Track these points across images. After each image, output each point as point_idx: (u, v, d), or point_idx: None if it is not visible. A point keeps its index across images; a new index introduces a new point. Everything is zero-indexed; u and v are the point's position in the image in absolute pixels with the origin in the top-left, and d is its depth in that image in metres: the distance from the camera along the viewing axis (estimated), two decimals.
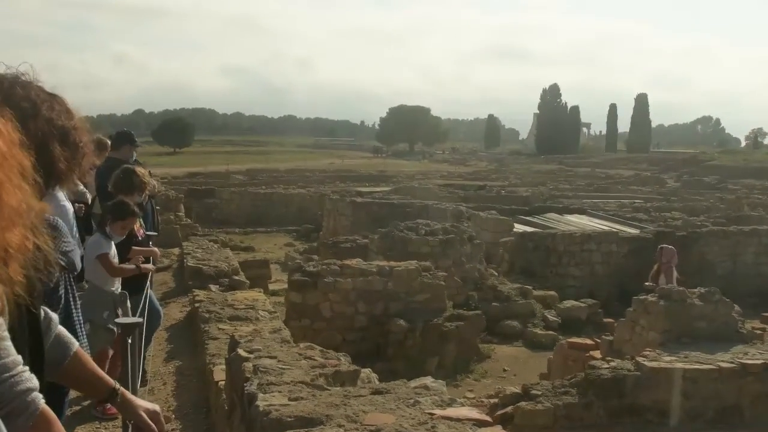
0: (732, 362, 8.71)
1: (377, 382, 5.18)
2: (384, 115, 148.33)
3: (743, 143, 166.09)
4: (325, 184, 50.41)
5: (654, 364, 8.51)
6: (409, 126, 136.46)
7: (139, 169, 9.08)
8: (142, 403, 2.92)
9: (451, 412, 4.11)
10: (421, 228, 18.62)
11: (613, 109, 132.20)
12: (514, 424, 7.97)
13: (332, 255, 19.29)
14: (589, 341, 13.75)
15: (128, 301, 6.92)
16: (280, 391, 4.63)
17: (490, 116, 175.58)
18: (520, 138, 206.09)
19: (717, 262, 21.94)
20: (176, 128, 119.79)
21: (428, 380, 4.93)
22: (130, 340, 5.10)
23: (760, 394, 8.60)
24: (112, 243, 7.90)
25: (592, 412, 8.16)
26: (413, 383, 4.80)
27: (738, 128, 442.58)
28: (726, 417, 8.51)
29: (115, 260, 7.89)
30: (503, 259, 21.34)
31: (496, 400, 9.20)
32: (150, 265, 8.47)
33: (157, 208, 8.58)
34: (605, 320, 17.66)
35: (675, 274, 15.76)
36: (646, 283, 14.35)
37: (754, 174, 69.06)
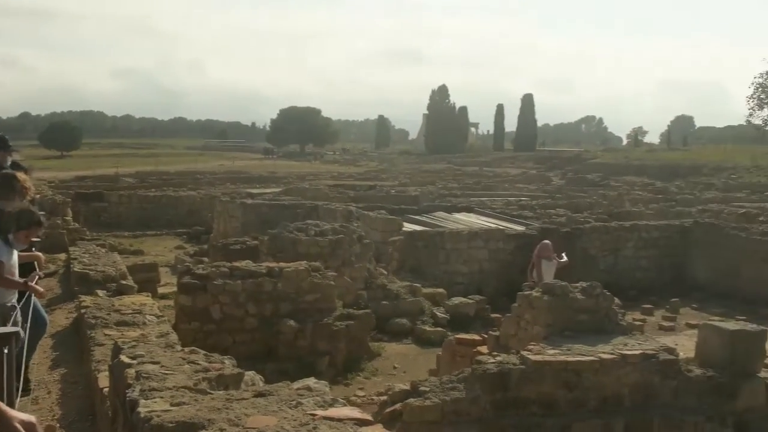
0: (612, 353, 8.96)
1: (261, 384, 5.19)
2: (275, 116, 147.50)
3: (625, 141, 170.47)
4: (215, 186, 49.88)
5: (538, 357, 8.69)
6: (299, 127, 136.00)
7: (20, 174, 8.86)
8: (17, 415, 2.84)
9: (332, 412, 4.14)
10: (311, 229, 18.62)
11: (500, 109, 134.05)
12: (403, 421, 8.03)
13: (222, 257, 19.14)
14: (476, 337, 13.96)
15: (18, 315, 6.76)
16: (162, 397, 4.59)
17: (381, 117, 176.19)
18: (410, 138, 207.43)
19: (599, 257, 22.53)
20: (64, 131, 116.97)
21: (311, 381, 4.96)
22: (6, 350, 4.98)
23: (638, 382, 8.88)
24: (14, 252, 7.69)
25: (479, 406, 8.27)
26: (296, 385, 4.82)
27: (620, 127, 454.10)
28: (607, 405, 8.75)
29: (15, 269, 7.69)
30: (393, 257, 21.48)
31: (385, 398, 9.26)
32: (40, 289, 8.14)
33: (42, 213, 8.36)
34: (493, 316, 17.99)
35: (554, 266, 16.11)
36: (525, 284, 14.58)
37: (635, 171, 71.07)
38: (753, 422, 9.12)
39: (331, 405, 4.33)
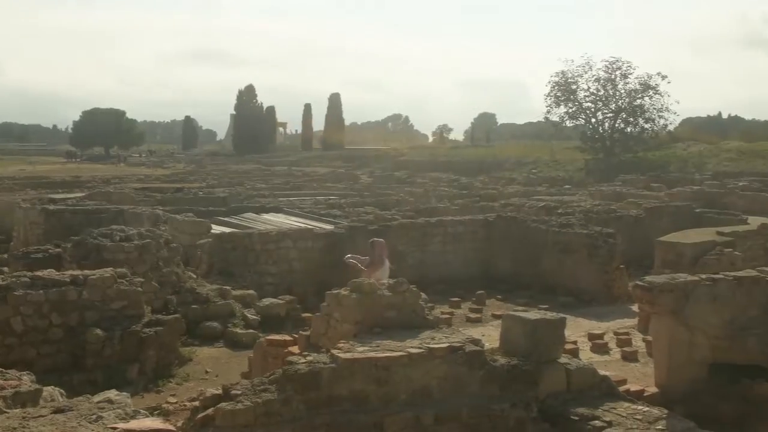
0: (420, 348, 9.16)
1: (62, 399, 5.02)
2: (77, 118, 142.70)
3: (431, 139, 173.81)
4: (14, 191, 47.67)
5: (348, 355, 8.78)
6: (103, 129, 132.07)
7: None
8: None
9: (134, 424, 4.07)
10: (116, 234, 18.16)
11: (307, 108, 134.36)
12: (215, 426, 7.95)
13: (23, 267, 18.37)
14: (287, 337, 13.98)
15: None
16: None
17: (188, 117, 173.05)
18: (218, 139, 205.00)
19: (407, 252, 22.91)
20: None
21: (112, 393, 4.86)
22: None
23: (446, 375, 9.10)
24: None
25: (291, 407, 8.28)
26: (97, 398, 4.71)
27: (426, 125, 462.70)
28: (417, 399, 8.93)
29: None
30: (201, 261, 21.23)
31: (197, 403, 9.14)
32: None
33: None
34: (304, 315, 18.03)
35: (387, 264, 16.26)
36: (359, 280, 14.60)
37: (441, 167, 72.81)
38: (555, 407, 9.50)
39: (132, 417, 4.26)
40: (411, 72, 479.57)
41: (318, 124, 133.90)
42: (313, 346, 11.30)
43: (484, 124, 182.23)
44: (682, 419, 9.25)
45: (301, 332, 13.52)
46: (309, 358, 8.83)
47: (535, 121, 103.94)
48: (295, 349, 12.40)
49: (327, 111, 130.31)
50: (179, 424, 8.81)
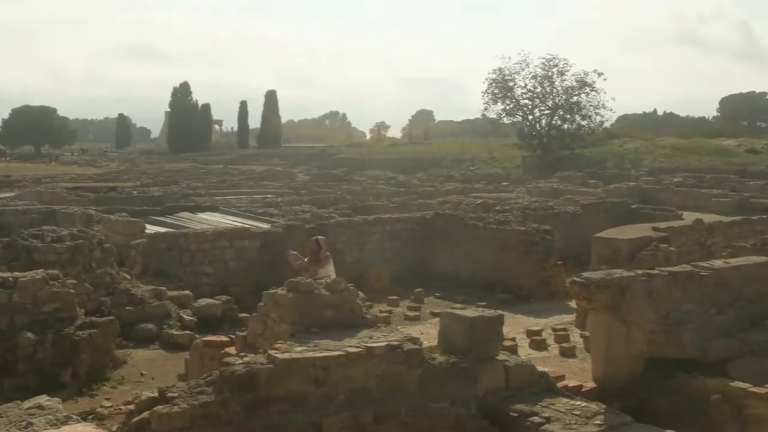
0: (359, 347, 9.11)
1: None
2: (6, 116, 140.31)
3: (368, 136, 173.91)
4: None
5: (285, 355, 8.70)
6: (34, 127, 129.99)
7: None
8: None
9: (65, 430, 3.94)
10: (47, 235, 17.81)
11: (243, 106, 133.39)
12: (151, 429, 7.82)
13: None
14: (224, 338, 13.86)
15: None
16: None
17: (121, 115, 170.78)
18: (153, 137, 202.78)
19: (346, 251, 22.82)
20: None
21: (43, 399, 4.71)
22: None
23: (385, 373, 9.06)
24: None
25: (229, 409, 8.19)
26: (27, 404, 4.56)
27: (363, 122, 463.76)
28: (356, 398, 8.88)
29: None
30: (136, 261, 20.94)
31: (133, 407, 8.98)
32: None
33: None
34: (241, 315, 17.89)
35: (330, 263, 16.15)
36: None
37: (378, 165, 72.89)
38: (494, 404, 9.51)
39: (64, 422, 4.13)
40: (348, 69, 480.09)
41: (254, 121, 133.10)
42: (250, 347, 11.19)
43: (422, 121, 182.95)
44: (620, 414, 9.31)
45: (237, 333, 13.41)
46: (246, 359, 8.74)
47: (472, 118, 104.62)
48: (231, 350, 12.28)
49: (263, 108, 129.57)
50: (114, 428, 8.66)
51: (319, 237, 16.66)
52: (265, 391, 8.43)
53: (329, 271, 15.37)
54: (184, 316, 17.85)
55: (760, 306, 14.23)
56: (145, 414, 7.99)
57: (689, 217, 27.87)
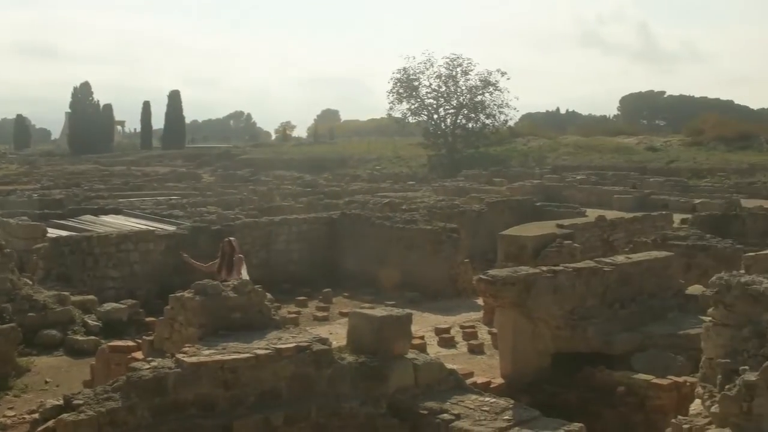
0: (267, 348, 9.08)
1: None
2: None
3: (273, 136, 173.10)
4: None
5: (193, 359, 8.61)
6: None
7: None
8: None
9: None
10: None
11: (146, 106, 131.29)
12: None
13: None
14: (131, 343, 13.68)
15: None
16: None
17: (19, 116, 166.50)
18: (53, 138, 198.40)
19: (252, 252, 22.65)
20: None
21: None
22: None
23: (295, 375, 9.06)
24: None
25: (137, 415, 8.08)
26: None
27: (268, 122, 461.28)
28: (266, 400, 8.85)
29: None
30: (37, 266, 20.49)
31: (37, 416, 8.80)
32: None
33: None
34: (147, 320, 17.65)
35: (243, 265, 16.02)
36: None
37: (284, 165, 72.73)
38: (404, 402, 9.56)
39: None
40: (253, 69, 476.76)
41: (158, 122, 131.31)
42: (157, 351, 11.05)
43: (328, 120, 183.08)
44: (528, 408, 9.45)
45: (144, 337, 13.23)
46: (153, 364, 8.63)
47: (378, 117, 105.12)
48: (138, 354, 12.12)
49: (167, 109, 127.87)
50: None
51: (231, 238, 16.54)
52: (173, 395, 8.34)
53: (243, 274, 15.29)
54: (89, 322, 17.55)
55: (661, 300, 14.65)
56: (50, 423, 7.85)
57: (592, 213, 28.46)
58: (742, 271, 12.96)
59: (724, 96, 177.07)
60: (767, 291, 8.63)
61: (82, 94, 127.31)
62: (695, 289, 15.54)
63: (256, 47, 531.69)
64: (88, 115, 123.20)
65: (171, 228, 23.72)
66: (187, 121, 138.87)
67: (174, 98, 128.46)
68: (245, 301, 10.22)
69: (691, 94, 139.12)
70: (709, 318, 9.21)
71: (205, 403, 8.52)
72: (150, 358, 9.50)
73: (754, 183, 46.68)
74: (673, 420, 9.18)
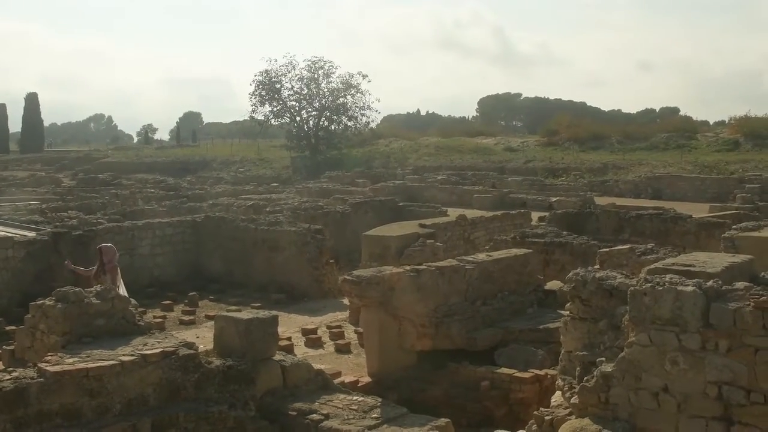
0: (133, 355, 9.02)
1: None
2: None
3: (135, 139, 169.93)
4: None
5: (57, 368, 8.49)
6: None
7: None
8: None
9: None
10: None
11: (2, 109, 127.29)
12: None
13: None
14: None
15: None
16: None
17: None
18: None
19: None
20: None
21: None
22: None
23: (161, 380, 9.02)
24: None
25: None
26: None
27: (130, 125, 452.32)
28: (133, 408, 8.79)
29: None
30: None
31: None
32: None
33: None
34: (8, 329, 17.16)
35: (118, 272, 15.72)
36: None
37: (147, 168, 71.58)
38: (273, 403, 9.65)
39: None
40: (113, 70, 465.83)
41: (14, 125, 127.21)
42: (18, 361, 10.83)
43: (190, 123, 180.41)
44: (396, 406, 9.65)
45: (4, 347, 12.93)
46: (14, 374, 8.48)
47: (241, 119, 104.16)
48: None
49: (24, 112, 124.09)
50: None
51: (102, 245, 16.26)
52: (36, 406, 8.22)
53: (117, 281, 15.08)
54: None
55: (521, 296, 15.11)
56: None
57: (453, 213, 28.93)
58: (597, 267, 13.55)
59: (577, 98, 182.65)
60: (621, 285, 9.04)
61: None
62: (554, 284, 16.07)
63: (118, 48, 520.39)
64: None
65: (31, 234, 23.03)
66: (46, 124, 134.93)
67: (31, 101, 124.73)
68: (109, 308, 10.11)
69: (547, 96, 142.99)
70: (567, 312, 9.60)
71: (70, 413, 8.42)
72: (11, 369, 9.29)
73: (606, 181, 48.68)
74: (536, 412, 9.55)
